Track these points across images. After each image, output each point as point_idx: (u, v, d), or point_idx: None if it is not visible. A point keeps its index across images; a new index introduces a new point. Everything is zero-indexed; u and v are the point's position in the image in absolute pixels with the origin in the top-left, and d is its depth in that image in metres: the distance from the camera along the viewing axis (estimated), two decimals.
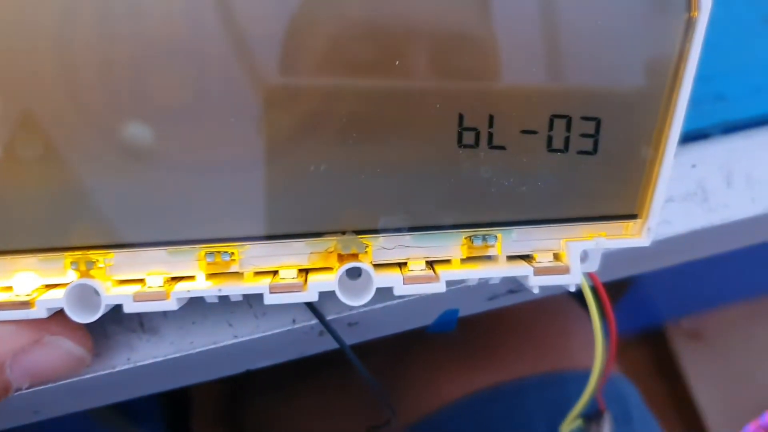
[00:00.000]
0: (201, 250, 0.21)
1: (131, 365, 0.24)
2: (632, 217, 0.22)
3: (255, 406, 0.49)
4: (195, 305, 0.24)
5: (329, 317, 0.25)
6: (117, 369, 0.24)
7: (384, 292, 0.21)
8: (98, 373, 0.24)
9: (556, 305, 0.43)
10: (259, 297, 0.21)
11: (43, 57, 0.19)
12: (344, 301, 0.21)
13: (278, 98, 0.20)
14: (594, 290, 0.24)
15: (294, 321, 0.25)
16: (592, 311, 0.25)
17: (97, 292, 0.21)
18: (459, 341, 0.40)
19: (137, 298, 0.20)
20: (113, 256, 0.21)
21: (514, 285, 0.27)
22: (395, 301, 0.25)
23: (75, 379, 0.23)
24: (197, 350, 0.24)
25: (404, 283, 0.21)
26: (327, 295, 0.21)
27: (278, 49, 0.20)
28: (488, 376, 0.39)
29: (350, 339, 0.26)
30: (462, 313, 0.27)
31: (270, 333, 0.24)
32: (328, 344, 0.26)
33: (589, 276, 0.23)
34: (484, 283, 0.24)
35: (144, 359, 0.24)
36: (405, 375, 0.41)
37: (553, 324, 0.41)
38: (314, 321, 0.25)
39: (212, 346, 0.24)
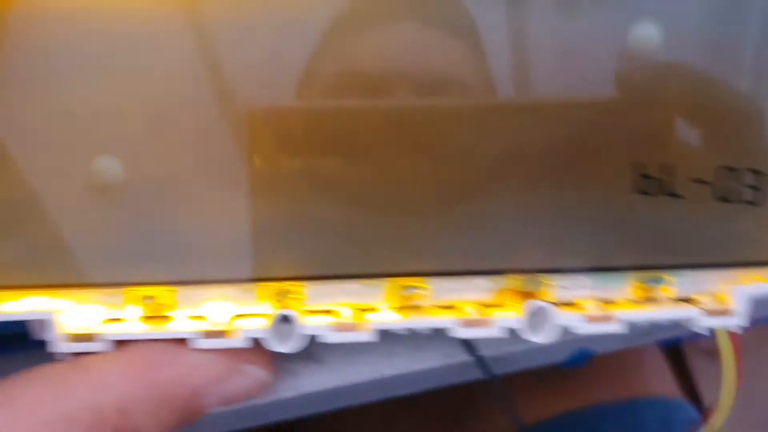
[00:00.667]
0: (393, 283, 0.22)
1: (296, 393, 0.24)
2: None
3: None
4: None
5: (481, 353, 0.26)
6: (283, 397, 0.24)
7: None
8: (265, 401, 0.24)
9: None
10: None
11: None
12: (531, 338, 0.22)
13: (469, 145, 0.21)
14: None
15: (449, 356, 0.25)
16: (724, 352, 0.26)
17: (294, 322, 0.21)
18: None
19: (334, 329, 0.21)
20: (310, 287, 0.22)
21: (647, 327, 0.28)
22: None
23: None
24: (359, 380, 0.25)
25: (585, 322, 0.22)
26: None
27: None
28: (564, 401, 0.40)
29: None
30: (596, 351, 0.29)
31: (427, 367, 0.25)
32: (469, 376, 0.27)
33: None
34: None
35: (309, 387, 0.24)
36: (482, 399, 0.42)
37: (626, 351, 0.43)
38: (467, 357, 0.25)
39: (373, 377, 0.25)
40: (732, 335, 0.26)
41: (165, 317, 0.21)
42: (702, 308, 0.23)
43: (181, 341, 0.21)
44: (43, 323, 0.21)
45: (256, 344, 0.21)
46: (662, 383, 0.43)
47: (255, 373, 0.22)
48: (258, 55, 0.20)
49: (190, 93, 0.20)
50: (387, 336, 0.24)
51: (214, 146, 0.21)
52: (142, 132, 0.20)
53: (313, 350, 0.25)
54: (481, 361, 0.26)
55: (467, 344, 0.25)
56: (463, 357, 0.26)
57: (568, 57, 0.21)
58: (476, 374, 0.27)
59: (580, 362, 0.29)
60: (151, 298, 0.21)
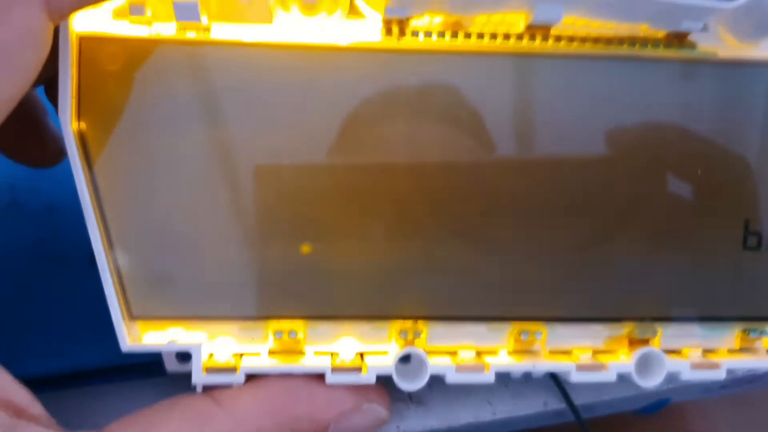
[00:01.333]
0: (516, 327, 0.23)
1: None
2: None
3: None
4: None
5: (577, 403, 0.26)
6: None
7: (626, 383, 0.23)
8: None
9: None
10: (515, 378, 0.24)
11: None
12: (640, 383, 0.23)
13: (594, 201, 0.22)
14: None
15: (545, 404, 0.26)
16: None
17: (407, 359, 0.22)
18: None
19: (459, 369, 0.22)
20: (435, 326, 0.22)
21: (728, 382, 0.29)
22: (633, 393, 0.27)
23: None
24: (460, 424, 0.25)
25: (691, 369, 0.23)
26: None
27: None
28: None
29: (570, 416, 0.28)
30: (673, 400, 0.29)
31: (525, 413, 0.26)
32: (556, 421, 0.28)
33: None
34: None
35: (412, 429, 0.25)
36: None
37: None
38: (563, 405, 0.26)
39: (473, 421, 0.25)
40: None
41: (297, 351, 0.22)
42: None
43: (312, 377, 0.22)
44: (179, 355, 0.22)
45: (377, 382, 0.22)
46: (704, 423, 0.44)
47: (376, 410, 0.22)
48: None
49: (328, 144, 0.22)
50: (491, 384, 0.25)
51: (360, 191, 0.22)
52: (291, 175, 0.21)
53: (418, 393, 0.26)
54: (575, 410, 0.26)
55: (566, 394, 0.26)
56: (558, 405, 0.26)
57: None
58: (564, 418, 0.27)
59: (655, 409, 0.30)
60: (288, 332, 0.21)
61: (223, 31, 0.21)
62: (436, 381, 0.25)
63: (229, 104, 0.21)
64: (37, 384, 0.19)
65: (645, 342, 0.23)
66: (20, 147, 0.24)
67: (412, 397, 0.25)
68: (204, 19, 0.21)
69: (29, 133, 0.24)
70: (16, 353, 0.24)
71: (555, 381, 0.26)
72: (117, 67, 0.21)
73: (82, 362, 0.25)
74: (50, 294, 0.26)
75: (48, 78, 0.21)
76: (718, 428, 0.43)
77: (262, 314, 0.22)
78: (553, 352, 0.23)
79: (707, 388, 0.29)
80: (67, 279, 0.26)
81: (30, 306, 0.26)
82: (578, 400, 0.26)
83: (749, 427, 0.43)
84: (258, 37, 0.21)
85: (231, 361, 0.21)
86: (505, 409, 0.26)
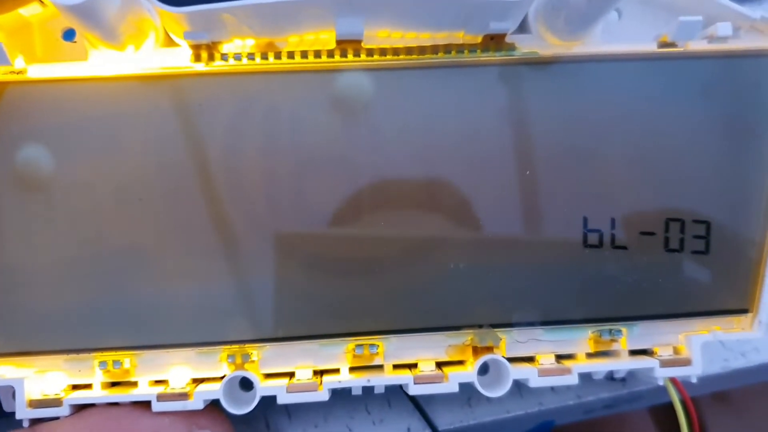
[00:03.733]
0: (351, 342, 0.22)
1: None
2: (743, 311, 0.23)
3: None
4: (317, 408, 0.25)
5: (442, 428, 0.26)
6: None
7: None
8: None
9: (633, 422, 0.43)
10: (377, 402, 0.24)
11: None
12: (483, 392, 0.22)
13: (423, 201, 0.22)
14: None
15: (409, 429, 0.25)
16: (680, 417, 0.25)
17: (249, 385, 0.22)
18: None
19: (291, 389, 0.22)
20: (267, 348, 0.22)
21: (609, 401, 0.28)
22: (503, 416, 0.26)
23: None
24: None
25: (539, 375, 0.22)
26: (442, 405, 0.24)
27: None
28: None
29: None
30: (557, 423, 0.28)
31: None
32: None
33: (675, 386, 0.24)
34: (583, 400, 0.26)
35: None
36: None
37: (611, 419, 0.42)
38: (427, 430, 0.25)
39: None
40: (678, 386, 0.25)
41: (128, 382, 0.22)
42: (659, 359, 0.23)
43: (140, 405, 0.21)
44: (8, 391, 0.22)
45: (215, 409, 0.22)
46: None
47: None
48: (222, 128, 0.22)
49: (162, 167, 0.22)
50: (346, 408, 0.25)
51: (180, 217, 0.22)
52: (112, 205, 0.22)
53: (276, 421, 0.25)
54: None
55: (424, 414, 0.25)
56: (422, 430, 0.26)
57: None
58: None
59: None
60: (112, 363, 0.21)
61: (41, 71, 0.22)
62: (297, 408, 0.24)
63: (47, 138, 0.22)
64: None
65: (489, 350, 0.23)
66: None
67: (270, 428, 0.25)
68: (18, 62, 0.21)
69: None
70: None
71: (412, 401, 0.25)
72: None
73: None
74: None
75: None
76: None
77: (87, 347, 0.22)
78: (397, 367, 0.23)
79: (588, 408, 0.28)
80: None
81: None
82: (443, 424, 0.26)
83: None
84: (74, 73, 0.22)
85: (54, 394, 0.21)
86: None
